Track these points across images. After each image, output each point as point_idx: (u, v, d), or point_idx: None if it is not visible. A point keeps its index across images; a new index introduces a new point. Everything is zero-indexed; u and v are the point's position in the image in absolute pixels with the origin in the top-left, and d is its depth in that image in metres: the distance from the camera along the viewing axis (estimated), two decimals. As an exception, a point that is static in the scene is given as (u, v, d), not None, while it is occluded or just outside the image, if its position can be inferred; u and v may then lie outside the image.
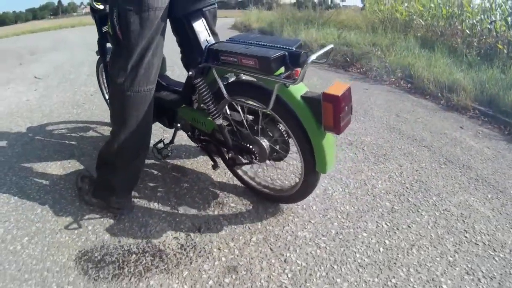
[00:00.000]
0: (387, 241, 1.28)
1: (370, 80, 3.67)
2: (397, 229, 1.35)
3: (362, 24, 6.05)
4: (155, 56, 1.25)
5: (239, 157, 1.44)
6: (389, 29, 5.20)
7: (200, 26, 1.37)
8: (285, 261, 1.18)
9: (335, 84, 1.11)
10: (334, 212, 1.45)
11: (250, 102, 1.28)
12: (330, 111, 1.08)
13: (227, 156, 1.51)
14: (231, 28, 9.42)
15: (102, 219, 1.40)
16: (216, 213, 1.44)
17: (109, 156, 1.37)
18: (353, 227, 1.35)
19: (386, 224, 1.37)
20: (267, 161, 1.40)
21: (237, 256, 1.21)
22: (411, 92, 3.21)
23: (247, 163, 1.45)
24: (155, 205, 1.49)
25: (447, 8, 4.88)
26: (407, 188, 1.63)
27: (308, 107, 1.15)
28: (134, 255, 1.22)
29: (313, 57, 1.03)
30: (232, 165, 1.52)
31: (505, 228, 1.37)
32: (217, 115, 1.32)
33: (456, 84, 2.95)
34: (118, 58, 1.25)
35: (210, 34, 1.40)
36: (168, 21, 1.31)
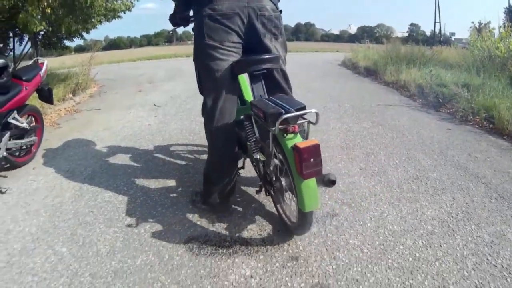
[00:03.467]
0: (417, 254, 1.66)
1: (456, 120, 3.94)
2: (430, 246, 1.71)
3: (462, 62, 6.17)
4: (227, 102, 1.85)
5: (266, 186, 1.92)
6: (488, 67, 5.29)
7: (257, 83, 1.90)
8: (334, 258, 1.66)
9: (308, 140, 1.51)
10: (383, 229, 1.87)
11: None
12: (297, 159, 1.48)
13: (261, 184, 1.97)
14: (340, 65, 10.18)
15: (207, 219, 2.05)
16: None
17: (207, 175, 2.06)
18: (393, 241, 1.76)
19: (422, 242, 1.75)
20: (287, 196, 1.81)
21: (300, 250, 1.73)
22: (491, 132, 3.40)
23: (270, 194, 1.92)
24: (249, 212, 2.10)
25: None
26: (452, 217, 1.96)
27: (292, 153, 1.53)
28: (227, 243, 1.83)
29: (284, 116, 1.48)
30: (265, 191, 1.96)
31: (532, 258, 1.62)
32: (255, 150, 1.85)
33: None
34: (203, 103, 1.94)
35: (265, 91, 1.91)
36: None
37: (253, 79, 1.91)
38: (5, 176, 2.68)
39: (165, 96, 5.93)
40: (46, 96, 3.02)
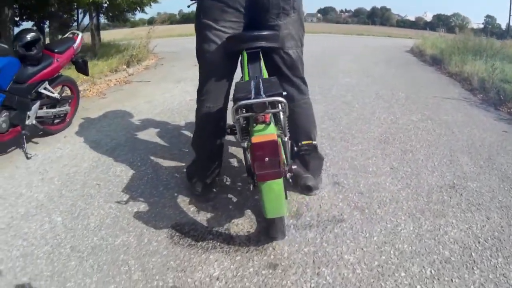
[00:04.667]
0: (418, 287, 1.33)
1: (515, 122, 3.28)
2: (438, 279, 1.37)
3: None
4: (218, 82, 1.72)
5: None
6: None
7: (254, 63, 1.68)
8: (317, 274, 1.41)
9: (266, 134, 1.22)
10: (389, 247, 1.56)
11: None
12: (251, 156, 1.22)
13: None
14: (408, 52, 9.51)
15: (202, 206, 1.90)
16: (289, 222, 1.74)
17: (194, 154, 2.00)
18: (396, 265, 1.44)
19: (430, 271, 1.41)
20: None
21: (284, 258, 1.50)
22: (554, 140, 2.71)
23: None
24: (247, 204, 1.91)
25: None
26: (479, 243, 1.56)
27: None
28: (211, 235, 1.67)
29: (241, 102, 1.23)
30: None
31: None
32: (242, 138, 1.63)
33: None
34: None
35: (262, 72, 1.68)
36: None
37: (250, 58, 1.69)
38: (36, 143, 2.79)
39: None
40: (82, 67, 3.07)
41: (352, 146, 2.64)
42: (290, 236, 1.64)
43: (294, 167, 1.66)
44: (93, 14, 6.29)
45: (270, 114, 1.30)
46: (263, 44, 1.59)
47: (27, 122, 2.51)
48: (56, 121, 2.96)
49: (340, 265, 1.45)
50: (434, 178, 2.16)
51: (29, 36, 2.49)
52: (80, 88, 4.45)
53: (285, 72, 1.72)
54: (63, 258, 1.55)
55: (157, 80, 5.26)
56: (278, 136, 1.31)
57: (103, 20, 7.50)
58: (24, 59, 2.47)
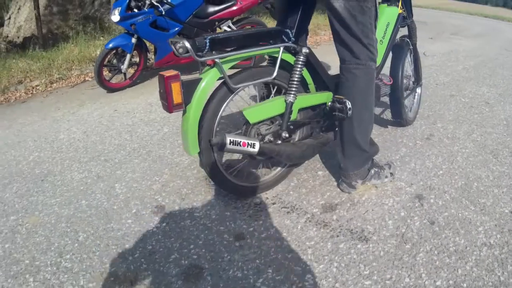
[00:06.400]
0: None
1: None
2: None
3: None
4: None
5: None
6: None
7: (293, 10, 1.49)
8: (259, 270, 1.18)
9: (172, 71, 1.25)
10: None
11: None
12: None
13: None
14: None
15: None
16: (314, 210, 1.50)
17: None
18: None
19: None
20: None
21: (257, 237, 1.33)
22: None
23: None
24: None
25: None
26: None
27: None
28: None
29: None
30: None
31: None
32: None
33: None
34: None
35: (298, 21, 1.47)
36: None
37: (289, 4, 1.50)
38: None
39: (446, 49, 4.76)
40: (273, 13, 3.29)
41: (502, 166, 1.85)
42: (293, 223, 1.41)
43: (285, 135, 1.44)
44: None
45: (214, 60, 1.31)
46: None
47: (215, 52, 3.02)
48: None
49: (292, 274, 1.15)
50: None
51: (212, -22, 2.88)
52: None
53: (336, 28, 1.38)
54: (135, 154, 1.97)
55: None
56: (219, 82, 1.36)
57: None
58: (208, -2, 2.92)
